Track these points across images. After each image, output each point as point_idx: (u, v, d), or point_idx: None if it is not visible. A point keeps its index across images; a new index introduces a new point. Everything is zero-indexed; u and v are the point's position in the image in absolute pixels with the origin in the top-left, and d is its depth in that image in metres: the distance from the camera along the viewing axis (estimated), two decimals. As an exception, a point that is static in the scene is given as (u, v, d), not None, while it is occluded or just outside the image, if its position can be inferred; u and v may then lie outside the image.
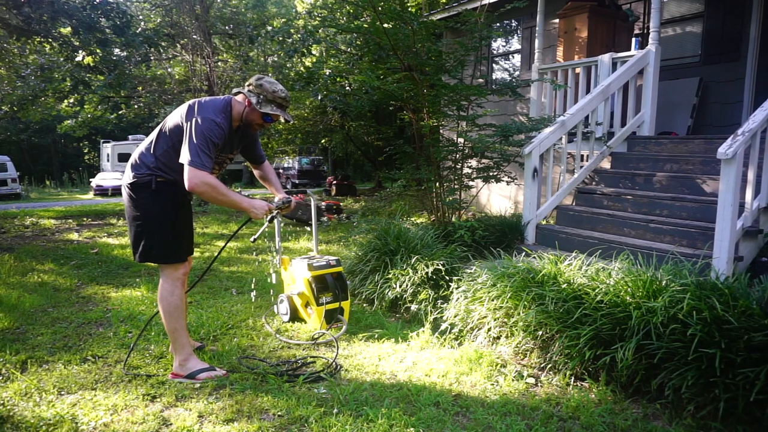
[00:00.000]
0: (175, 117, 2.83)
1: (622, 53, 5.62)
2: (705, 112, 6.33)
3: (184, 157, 2.68)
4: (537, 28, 6.54)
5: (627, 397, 2.66)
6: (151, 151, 2.84)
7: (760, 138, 3.55)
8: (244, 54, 15.00)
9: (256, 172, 3.40)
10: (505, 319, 3.25)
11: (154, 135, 2.88)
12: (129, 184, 2.85)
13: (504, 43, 9.28)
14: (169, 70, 15.77)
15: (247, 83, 2.94)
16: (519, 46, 8.78)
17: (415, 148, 6.06)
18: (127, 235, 8.13)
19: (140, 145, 2.93)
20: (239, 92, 2.94)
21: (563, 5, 6.52)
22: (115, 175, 21.94)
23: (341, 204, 11.15)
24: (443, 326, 3.55)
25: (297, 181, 21.50)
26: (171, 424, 2.45)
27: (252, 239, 3.22)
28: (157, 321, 3.92)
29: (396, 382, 2.88)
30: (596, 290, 2.93)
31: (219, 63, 14.85)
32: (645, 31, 6.75)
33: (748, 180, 3.60)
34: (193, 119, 2.72)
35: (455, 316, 3.53)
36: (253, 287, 4.83)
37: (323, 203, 10.40)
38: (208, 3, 14.02)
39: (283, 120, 2.95)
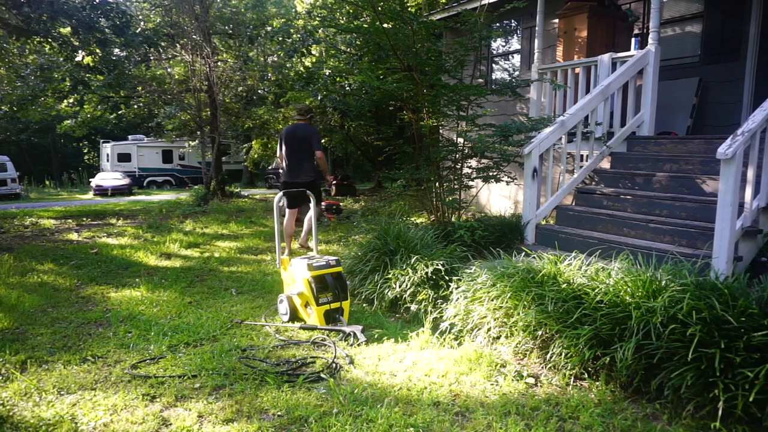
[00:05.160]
0: (305, 146, 5.96)
1: (622, 53, 5.61)
2: (704, 112, 6.34)
3: (318, 147, 5.98)
4: (537, 28, 6.54)
5: (627, 397, 2.66)
6: (309, 168, 6.02)
7: (759, 138, 3.55)
8: (243, 54, 15.00)
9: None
10: (505, 319, 3.25)
11: (302, 159, 5.99)
12: (310, 181, 5.94)
13: (504, 43, 9.28)
14: (169, 70, 15.76)
15: (304, 114, 6.15)
16: (519, 46, 8.78)
17: (414, 148, 6.05)
18: (125, 234, 8.21)
19: (300, 162, 5.98)
20: (305, 119, 6.13)
21: (563, 5, 6.52)
22: (114, 175, 21.92)
23: (341, 204, 11.14)
24: (443, 326, 3.55)
25: (297, 181, 21.44)
26: (171, 424, 2.45)
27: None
28: (156, 321, 3.94)
29: (395, 382, 2.88)
30: (596, 290, 2.93)
31: (219, 63, 14.85)
32: (645, 31, 6.75)
33: (748, 180, 3.60)
34: (316, 135, 6.04)
35: (455, 316, 3.53)
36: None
37: (323, 203, 10.39)
38: (207, 3, 14.02)
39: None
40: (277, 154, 6.55)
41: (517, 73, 8.89)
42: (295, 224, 6.31)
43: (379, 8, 5.30)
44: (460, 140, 5.78)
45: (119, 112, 16.34)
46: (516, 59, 8.97)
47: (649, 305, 2.64)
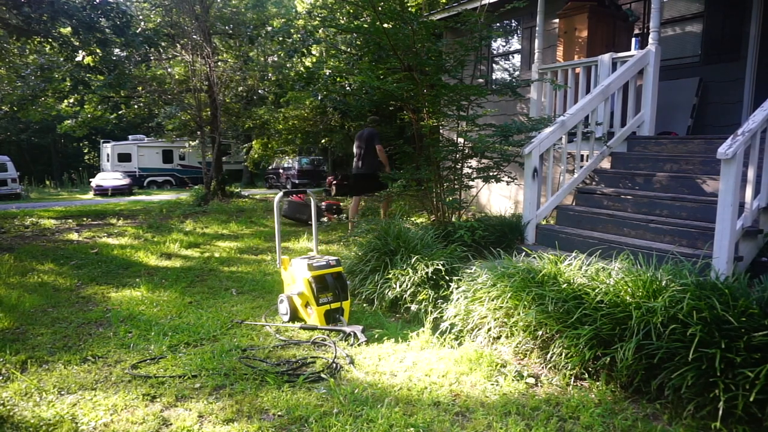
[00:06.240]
0: (370, 144, 7.44)
1: (622, 53, 5.61)
2: (705, 112, 6.33)
3: (378, 142, 7.40)
4: (537, 28, 6.53)
5: (627, 397, 2.66)
6: (369, 161, 7.50)
7: (759, 138, 3.55)
8: (244, 54, 15.00)
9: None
10: (505, 319, 3.25)
11: (365, 154, 7.52)
12: (370, 173, 7.48)
13: (504, 43, 9.28)
14: (169, 70, 15.76)
15: (372, 122, 7.92)
16: (519, 46, 8.78)
17: (415, 148, 6.05)
18: (126, 234, 8.21)
19: (362, 157, 7.51)
20: (373, 125, 7.74)
21: (563, 5, 6.52)
22: (115, 175, 21.91)
23: (341, 204, 11.14)
24: (443, 326, 3.55)
25: (297, 181, 21.48)
26: (171, 424, 2.45)
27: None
28: (156, 321, 3.94)
29: (396, 382, 2.88)
30: (596, 290, 2.93)
31: (219, 63, 14.85)
32: (645, 31, 6.74)
33: (748, 180, 3.60)
34: (377, 134, 7.52)
35: (455, 316, 3.53)
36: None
37: (323, 203, 10.39)
38: (208, 3, 14.01)
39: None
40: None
41: (517, 73, 8.88)
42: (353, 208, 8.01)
43: (380, 8, 5.29)
44: (461, 140, 5.78)
45: (119, 112, 16.35)
46: (516, 59, 8.96)
47: (650, 305, 2.64)
